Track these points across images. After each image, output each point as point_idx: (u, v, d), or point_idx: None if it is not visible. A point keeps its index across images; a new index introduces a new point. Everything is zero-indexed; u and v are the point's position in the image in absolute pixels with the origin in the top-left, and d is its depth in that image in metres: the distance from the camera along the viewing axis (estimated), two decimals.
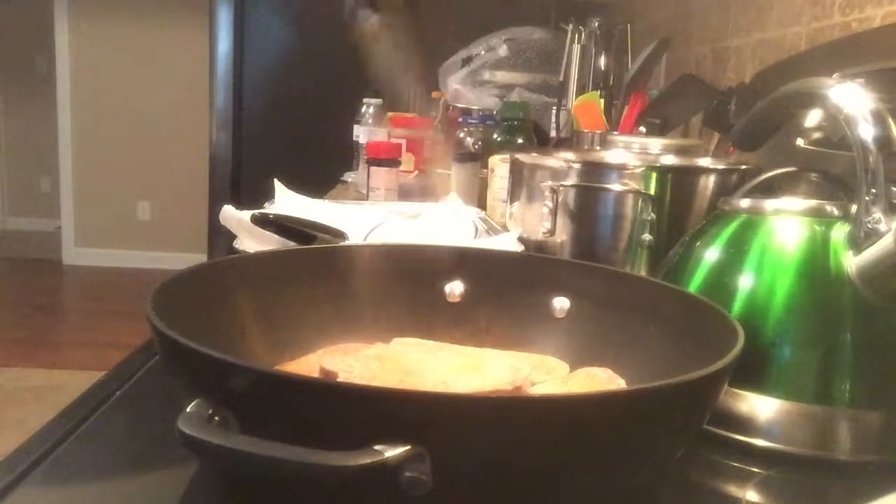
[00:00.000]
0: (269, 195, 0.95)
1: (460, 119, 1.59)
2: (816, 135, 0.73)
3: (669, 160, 0.91)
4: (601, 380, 0.50)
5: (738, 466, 0.47)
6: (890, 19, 0.89)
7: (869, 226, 0.47)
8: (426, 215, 0.94)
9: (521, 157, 0.86)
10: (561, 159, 0.80)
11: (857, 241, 0.48)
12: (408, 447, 0.29)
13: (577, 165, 0.78)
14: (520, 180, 0.86)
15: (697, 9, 1.54)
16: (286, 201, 0.92)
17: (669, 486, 0.43)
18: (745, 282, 0.51)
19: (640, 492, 0.40)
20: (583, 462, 0.34)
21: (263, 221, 0.72)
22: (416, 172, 1.63)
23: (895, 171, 0.48)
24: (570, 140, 1.45)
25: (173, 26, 4.16)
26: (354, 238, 0.76)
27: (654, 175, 0.74)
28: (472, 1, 2.62)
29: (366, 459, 0.29)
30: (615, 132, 1.25)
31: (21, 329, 3.33)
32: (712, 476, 0.47)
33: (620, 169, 0.76)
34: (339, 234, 0.73)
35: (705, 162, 0.85)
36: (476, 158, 1.36)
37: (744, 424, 0.49)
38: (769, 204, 0.53)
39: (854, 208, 0.49)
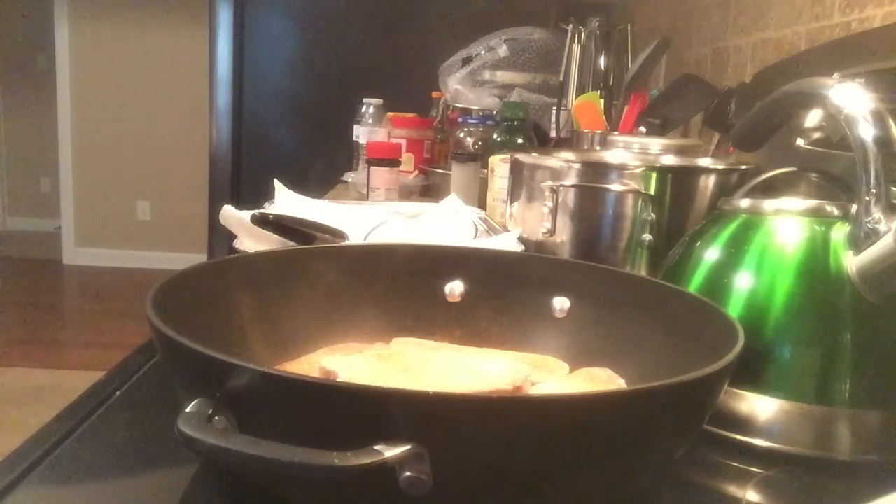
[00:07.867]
0: (269, 195, 0.95)
1: (460, 119, 1.59)
2: (816, 135, 0.73)
3: (669, 160, 0.91)
4: (601, 380, 0.50)
5: (738, 466, 0.47)
6: (890, 19, 0.89)
7: (869, 226, 0.47)
8: (426, 215, 0.94)
9: (521, 157, 0.86)
10: (561, 159, 0.80)
11: (857, 241, 0.48)
12: (408, 447, 0.29)
13: (577, 165, 0.78)
14: (520, 180, 0.86)
15: (697, 9, 1.54)
16: (286, 201, 0.92)
17: (669, 486, 0.43)
18: (745, 282, 0.51)
19: (641, 492, 0.40)
20: (583, 462, 0.34)
21: (263, 221, 0.72)
22: (416, 172, 1.63)
23: (895, 171, 0.48)
24: (570, 140, 1.45)
25: (173, 26, 4.16)
26: (354, 238, 0.76)
27: (654, 175, 0.74)
28: (472, 1, 2.62)
29: (366, 459, 0.29)
30: (615, 132, 1.25)
31: (21, 329, 3.33)
32: (712, 476, 0.47)
33: (620, 169, 0.76)
34: (339, 234, 0.73)
35: (705, 162, 0.86)
36: (476, 158, 1.37)
37: (744, 424, 0.49)
38: (769, 204, 0.53)
39: (854, 208, 0.49)
